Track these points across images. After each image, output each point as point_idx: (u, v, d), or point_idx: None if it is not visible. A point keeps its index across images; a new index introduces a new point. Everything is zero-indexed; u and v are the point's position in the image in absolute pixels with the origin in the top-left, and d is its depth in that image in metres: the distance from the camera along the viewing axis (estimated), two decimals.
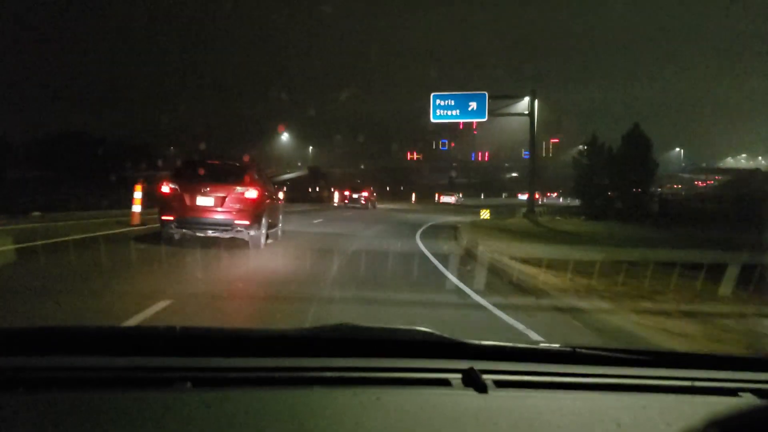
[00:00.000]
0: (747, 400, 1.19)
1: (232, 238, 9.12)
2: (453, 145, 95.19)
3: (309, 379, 1.14)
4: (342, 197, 35.56)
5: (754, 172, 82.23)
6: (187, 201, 8.86)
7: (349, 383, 1.13)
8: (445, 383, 1.16)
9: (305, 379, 1.15)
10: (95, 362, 1.17)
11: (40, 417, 0.94)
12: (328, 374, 1.16)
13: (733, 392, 1.21)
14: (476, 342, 1.36)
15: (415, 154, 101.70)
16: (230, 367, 1.17)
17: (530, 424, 1.03)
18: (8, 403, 0.97)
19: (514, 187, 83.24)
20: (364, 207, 33.11)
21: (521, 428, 1.01)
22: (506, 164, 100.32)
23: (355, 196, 34.45)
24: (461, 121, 30.07)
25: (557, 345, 1.40)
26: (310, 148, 65.89)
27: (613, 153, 35.40)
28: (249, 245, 9.05)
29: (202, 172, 9.17)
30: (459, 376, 1.17)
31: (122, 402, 1.00)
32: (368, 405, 1.04)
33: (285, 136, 69.34)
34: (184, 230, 8.94)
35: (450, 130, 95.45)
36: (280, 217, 11.36)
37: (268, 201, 9.70)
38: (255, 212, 8.98)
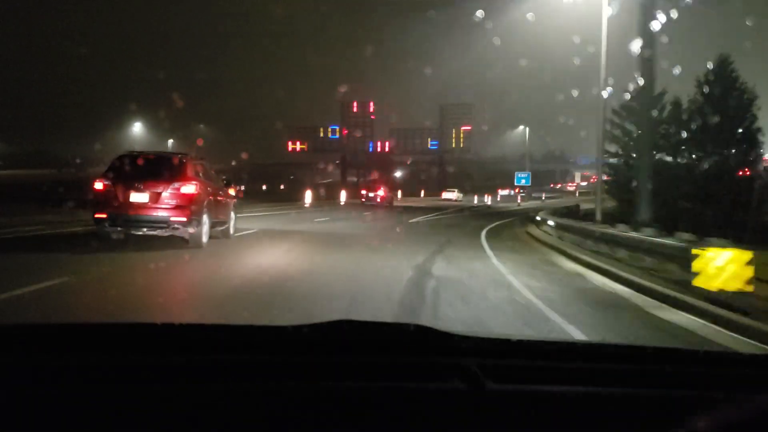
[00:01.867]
0: (745, 397, 1.46)
1: (170, 236, 10.98)
2: (345, 132, 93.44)
3: (307, 375, 1.44)
4: (363, 196, 41.06)
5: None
6: (120, 197, 10.63)
7: (347, 380, 1.42)
8: (443, 379, 1.43)
9: (304, 375, 1.44)
10: (93, 359, 1.48)
11: (38, 413, 1.24)
12: (326, 371, 1.45)
13: (731, 389, 1.49)
14: (474, 337, 1.67)
15: (298, 144, 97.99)
16: (229, 364, 1.47)
17: (528, 421, 1.29)
18: (6, 400, 1.27)
19: (426, 183, 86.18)
20: (381, 205, 37.94)
21: (519, 424, 1.28)
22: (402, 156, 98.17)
23: (371, 194, 39.99)
24: None
25: (556, 340, 1.74)
26: (170, 141, 65.95)
27: (684, 111, 24.10)
28: (188, 244, 10.94)
29: (136, 166, 10.95)
30: (456, 371, 1.44)
31: (120, 399, 1.29)
32: (365, 401, 1.32)
33: (138, 128, 68.62)
34: (118, 228, 10.71)
35: (343, 114, 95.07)
36: (232, 214, 13.22)
37: (211, 197, 11.67)
38: (193, 208, 10.83)
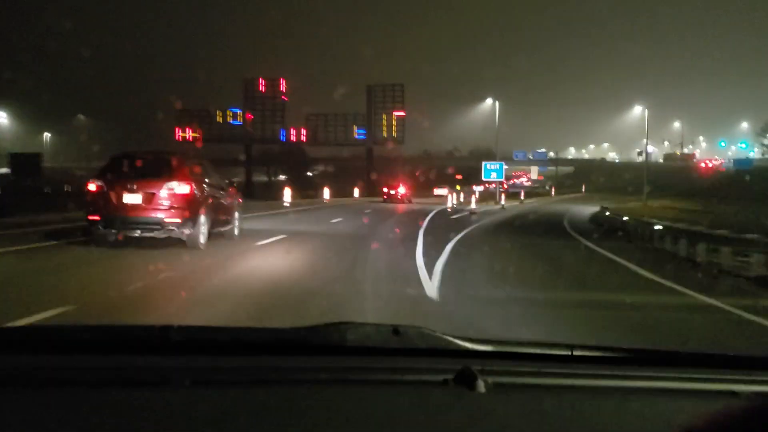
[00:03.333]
0: (745, 399, 1.66)
1: (168, 238, 12.42)
2: (250, 117, 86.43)
3: (305, 377, 1.69)
4: (384, 194, 51.08)
5: (597, 161, 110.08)
6: (114, 199, 12.07)
7: (345, 382, 1.67)
8: (440, 382, 1.65)
9: (302, 377, 1.69)
10: (92, 361, 1.74)
11: (38, 415, 1.40)
12: (324, 373, 1.69)
13: (731, 392, 1.70)
14: (472, 341, 1.95)
15: (189, 131, 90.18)
16: (228, 365, 1.73)
17: (525, 425, 1.48)
18: (5, 401, 1.44)
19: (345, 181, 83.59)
20: (401, 201, 47.67)
21: (516, 428, 1.46)
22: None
23: (392, 192, 50.08)
24: None
25: (554, 344, 2.03)
26: (46, 135, 65.41)
27: None
28: (186, 245, 12.42)
29: (131, 166, 12.45)
30: (453, 375, 1.66)
31: (120, 401, 1.48)
32: (362, 404, 1.52)
33: (4, 120, 67.82)
34: (112, 231, 12.11)
35: (246, 94, 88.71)
36: (236, 214, 14.80)
37: (209, 197, 13.21)
38: (188, 209, 12.32)
